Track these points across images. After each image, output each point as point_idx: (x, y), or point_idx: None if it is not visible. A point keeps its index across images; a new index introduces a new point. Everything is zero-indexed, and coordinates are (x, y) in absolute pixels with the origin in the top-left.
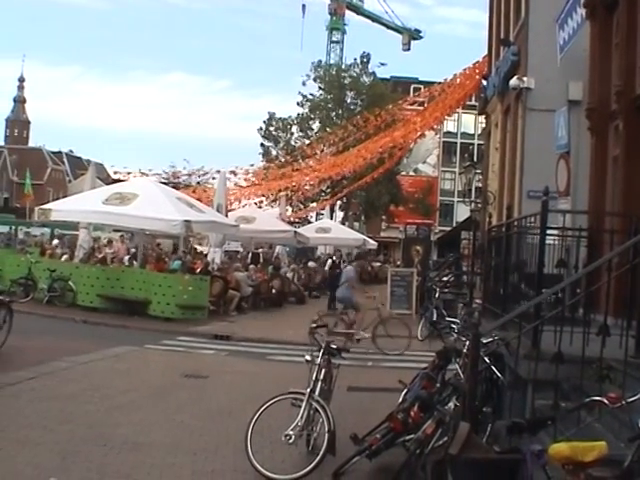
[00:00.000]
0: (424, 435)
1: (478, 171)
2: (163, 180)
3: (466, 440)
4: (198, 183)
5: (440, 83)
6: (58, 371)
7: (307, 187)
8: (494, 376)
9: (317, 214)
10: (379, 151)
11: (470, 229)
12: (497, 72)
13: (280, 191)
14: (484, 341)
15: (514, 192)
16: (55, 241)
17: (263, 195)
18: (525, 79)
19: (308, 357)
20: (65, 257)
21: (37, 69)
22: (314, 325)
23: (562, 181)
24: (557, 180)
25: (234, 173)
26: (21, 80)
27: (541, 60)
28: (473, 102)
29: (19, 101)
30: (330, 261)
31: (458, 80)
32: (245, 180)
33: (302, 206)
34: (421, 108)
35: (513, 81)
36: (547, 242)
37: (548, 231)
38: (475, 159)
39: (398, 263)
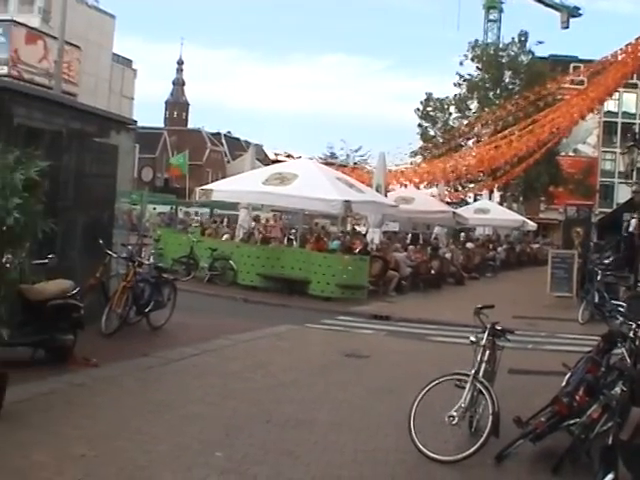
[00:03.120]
0: (590, 420)
1: None
2: (322, 161)
3: (637, 426)
4: (355, 163)
5: (601, 61)
6: (221, 348)
7: (465, 169)
8: None
9: (475, 195)
10: (541, 139)
11: (631, 211)
12: None
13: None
14: None
15: None
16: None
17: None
18: None
19: (473, 338)
20: (226, 237)
21: (196, 52)
22: (480, 306)
23: None
24: None
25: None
26: (180, 63)
27: None
28: (635, 80)
29: (178, 84)
30: None
31: (620, 57)
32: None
33: (461, 187)
34: (581, 87)
35: None
36: None
37: None
38: (637, 139)
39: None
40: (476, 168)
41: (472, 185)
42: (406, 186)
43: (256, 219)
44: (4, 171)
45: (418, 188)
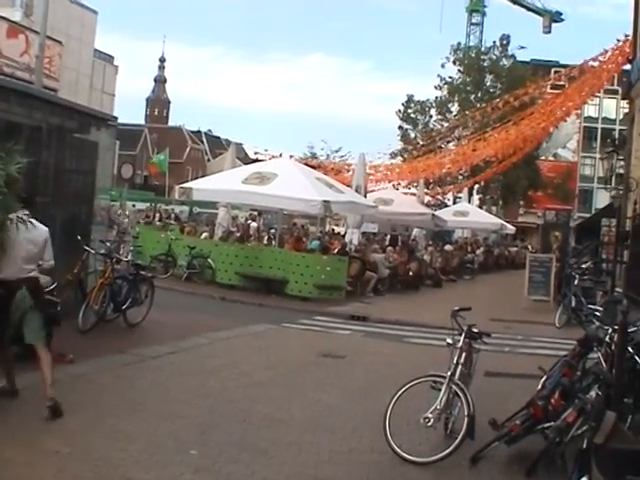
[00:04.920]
0: (565, 423)
1: (620, 157)
2: (302, 161)
3: (612, 430)
4: (334, 163)
5: (580, 65)
6: (198, 347)
7: (445, 170)
8: (637, 366)
9: (454, 197)
10: (520, 138)
11: (610, 216)
12: None
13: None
14: (629, 331)
15: None
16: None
17: (401, 180)
18: None
19: (449, 340)
20: (205, 235)
21: (178, 50)
22: (456, 308)
23: None
24: None
25: (375, 168)
26: (162, 60)
27: None
28: (615, 86)
29: (160, 81)
30: None
31: (598, 62)
32: (385, 168)
33: (439, 189)
34: (559, 91)
35: None
36: None
37: None
38: (617, 145)
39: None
40: (455, 165)
41: (451, 186)
42: (387, 187)
43: (235, 218)
44: None
45: (397, 188)
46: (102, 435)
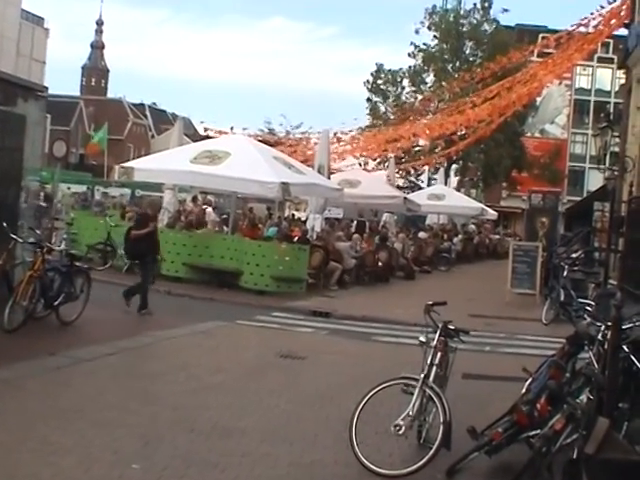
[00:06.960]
0: (552, 431)
1: (615, 134)
2: (258, 138)
3: (604, 438)
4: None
5: (569, 31)
6: (140, 347)
7: (418, 146)
8: (634, 367)
9: (429, 179)
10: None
11: (603, 199)
12: None
13: (389, 143)
14: (623, 327)
15: None
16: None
17: (366, 155)
18: None
19: (423, 338)
20: None
21: (118, 11)
22: (430, 302)
23: None
24: None
25: (339, 140)
26: (99, 24)
27: None
28: (610, 54)
29: (97, 47)
30: None
31: (590, 27)
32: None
33: (411, 170)
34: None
35: None
36: None
37: None
38: (611, 119)
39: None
40: (428, 136)
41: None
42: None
43: (182, 202)
44: None
45: (366, 168)
46: (30, 448)
